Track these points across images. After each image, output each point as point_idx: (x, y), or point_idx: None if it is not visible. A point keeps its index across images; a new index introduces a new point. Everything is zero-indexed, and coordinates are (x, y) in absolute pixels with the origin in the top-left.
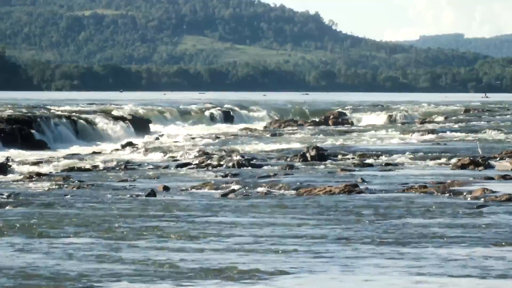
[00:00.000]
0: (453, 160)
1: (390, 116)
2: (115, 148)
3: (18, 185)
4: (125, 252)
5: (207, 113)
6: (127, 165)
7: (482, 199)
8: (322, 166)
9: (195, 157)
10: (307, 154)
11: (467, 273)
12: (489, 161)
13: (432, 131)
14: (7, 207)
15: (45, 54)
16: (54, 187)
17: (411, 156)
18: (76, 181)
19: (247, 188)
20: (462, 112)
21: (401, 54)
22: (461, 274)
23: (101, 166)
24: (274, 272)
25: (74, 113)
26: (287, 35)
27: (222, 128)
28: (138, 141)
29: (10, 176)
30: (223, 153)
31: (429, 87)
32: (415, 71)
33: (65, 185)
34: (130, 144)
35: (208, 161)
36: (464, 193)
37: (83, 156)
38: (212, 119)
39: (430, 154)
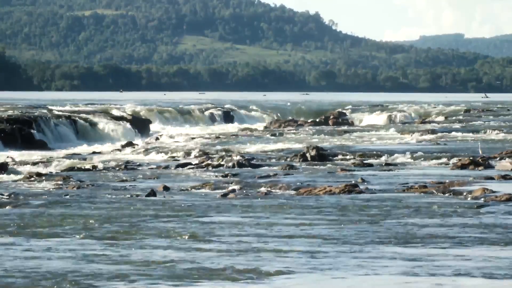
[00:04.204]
0: (453, 160)
1: (390, 116)
2: (115, 148)
3: (18, 185)
4: (125, 252)
5: (207, 113)
6: (127, 165)
7: (482, 199)
8: (322, 166)
9: (195, 157)
10: (307, 154)
11: (467, 273)
12: (489, 161)
13: (432, 131)
14: (7, 207)
15: (45, 54)
16: (54, 187)
17: (411, 156)
18: (76, 181)
19: (247, 188)
20: (462, 112)
21: (401, 54)
22: (461, 274)
23: (101, 166)
24: (274, 272)
25: (74, 113)
26: (287, 35)
27: (222, 128)
28: (138, 141)
29: (10, 176)
30: (223, 153)
31: (429, 87)
32: (415, 71)
33: (65, 185)
34: (130, 144)
35: (208, 161)
36: (464, 193)
37: (83, 156)
38: (212, 119)
39: (430, 154)
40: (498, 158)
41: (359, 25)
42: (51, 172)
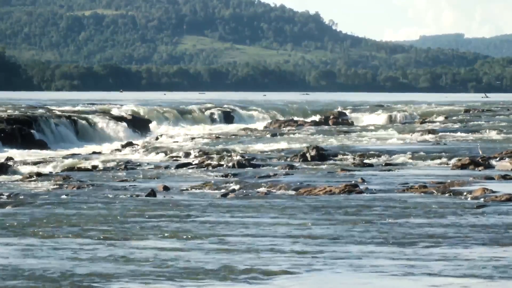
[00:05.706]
0: (453, 160)
1: (390, 116)
2: (115, 148)
3: (18, 185)
4: (125, 252)
5: (207, 113)
6: (127, 165)
7: (482, 199)
8: (322, 166)
9: (195, 157)
10: (307, 154)
11: (467, 273)
12: (489, 161)
13: (432, 131)
14: (7, 207)
15: (45, 54)
16: (54, 187)
17: (411, 156)
18: (76, 181)
19: (247, 188)
20: (462, 112)
21: (401, 54)
22: (461, 274)
23: (101, 166)
24: (274, 272)
25: (74, 113)
26: (287, 35)
27: (222, 128)
28: (138, 141)
29: (10, 176)
30: (223, 153)
31: (429, 87)
32: (415, 71)
33: (65, 185)
34: (130, 144)
35: (208, 161)
36: (464, 193)
37: (83, 156)
38: (212, 119)
39: (430, 154)
40: (498, 158)
41: (359, 25)
42: (51, 172)
